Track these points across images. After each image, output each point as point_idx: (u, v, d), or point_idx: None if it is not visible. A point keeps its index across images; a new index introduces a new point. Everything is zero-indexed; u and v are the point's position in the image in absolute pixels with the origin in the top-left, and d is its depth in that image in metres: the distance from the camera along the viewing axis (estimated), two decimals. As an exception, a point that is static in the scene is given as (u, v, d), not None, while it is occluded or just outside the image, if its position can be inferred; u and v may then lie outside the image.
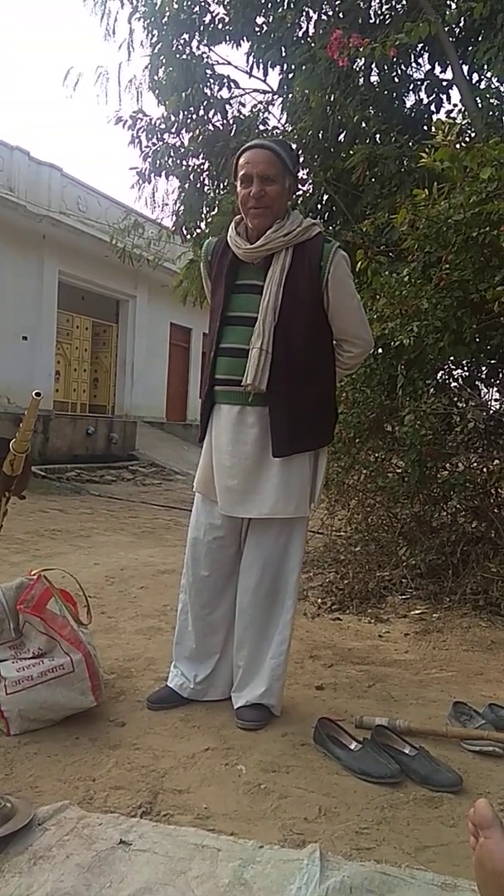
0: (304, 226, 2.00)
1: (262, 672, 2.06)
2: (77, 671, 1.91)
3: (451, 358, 3.62)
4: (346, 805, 1.59)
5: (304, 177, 5.40)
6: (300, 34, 5.36)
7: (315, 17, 5.35)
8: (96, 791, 1.60)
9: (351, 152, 4.65)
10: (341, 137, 5.07)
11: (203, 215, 6.00)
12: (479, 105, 4.40)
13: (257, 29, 5.54)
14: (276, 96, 5.80)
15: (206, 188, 5.92)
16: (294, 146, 2.12)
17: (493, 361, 3.82)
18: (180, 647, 2.19)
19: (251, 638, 2.08)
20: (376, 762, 1.73)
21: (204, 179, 5.89)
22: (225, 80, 5.76)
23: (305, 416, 2.00)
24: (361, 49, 3.95)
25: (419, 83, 5.34)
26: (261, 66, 5.62)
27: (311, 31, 5.32)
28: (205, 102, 5.66)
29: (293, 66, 5.27)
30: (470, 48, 4.59)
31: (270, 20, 5.40)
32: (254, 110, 5.79)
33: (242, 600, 2.09)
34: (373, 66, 5.01)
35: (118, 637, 2.81)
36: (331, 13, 5.32)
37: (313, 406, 2.03)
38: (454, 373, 3.96)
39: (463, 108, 4.56)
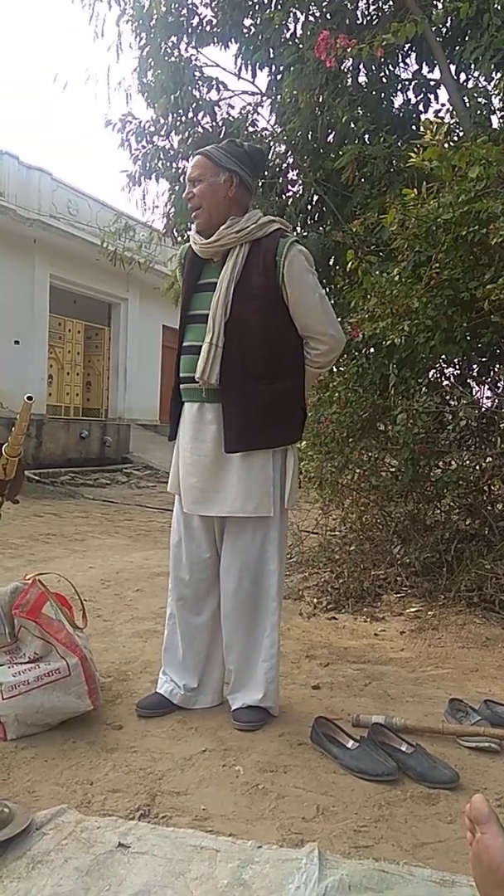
0: (260, 222, 2.02)
1: (257, 677, 2.06)
2: (73, 675, 1.91)
3: (443, 356, 3.63)
4: (344, 804, 1.59)
5: (294, 178, 5.41)
6: (288, 35, 5.36)
7: (302, 18, 5.34)
8: (94, 794, 1.60)
9: (340, 153, 4.66)
10: (330, 138, 5.07)
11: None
12: (467, 104, 4.41)
13: (245, 31, 5.53)
14: (264, 98, 5.79)
15: (196, 190, 5.90)
16: (238, 141, 2.15)
17: (483, 359, 3.84)
18: (169, 654, 2.18)
19: (238, 642, 2.08)
20: (373, 760, 1.73)
21: (194, 182, 5.88)
22: (214, 83, 5.75)
23: (260, 412, 1.98)
24: (349, 49, 3.95)
25: (407, 83, 5.34)
26: (249, 67, 5.61)
27: (299, 32, 5.31)
28: (194, 105, 5.65)
29: (281, 68, 5.26)
30: (457, 48, 4.59)
31: (258, 22, 5.39)
32: (243, 112, 5.79)
33: (225, 605, 2.09)
34: (360, 66, 5.03)
35: (114, 640, 2.81)
36: (318, 14, 5.32)
37: (271, 403, 2.00)
38: (446, 371, 3.98)
39: (451, 108, 4.57)
